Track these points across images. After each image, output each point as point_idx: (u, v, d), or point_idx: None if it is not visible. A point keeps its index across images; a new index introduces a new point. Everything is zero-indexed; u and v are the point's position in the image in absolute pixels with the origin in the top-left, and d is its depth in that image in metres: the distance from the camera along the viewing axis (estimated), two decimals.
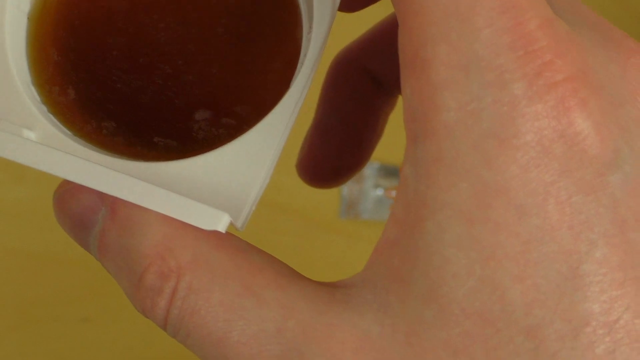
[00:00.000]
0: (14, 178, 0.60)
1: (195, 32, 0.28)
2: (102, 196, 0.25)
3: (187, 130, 0.28)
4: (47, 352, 0.58)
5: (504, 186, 0.22)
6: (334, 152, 0.35)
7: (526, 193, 0.22)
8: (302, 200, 0.63)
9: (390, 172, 0.67)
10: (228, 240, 0.25)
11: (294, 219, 0.63)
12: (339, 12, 0.27)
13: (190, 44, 0.28)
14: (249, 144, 0.26)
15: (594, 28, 0.25)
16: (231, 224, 0.25)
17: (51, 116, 0.27)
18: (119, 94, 0.28)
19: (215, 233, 0.25)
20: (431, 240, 0.23)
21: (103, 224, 0.25)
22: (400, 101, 0.34)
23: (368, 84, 0.34)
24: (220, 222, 0.24)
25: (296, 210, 0.63)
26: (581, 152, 0.23)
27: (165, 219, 0.24)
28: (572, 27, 0.24)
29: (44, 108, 0.27)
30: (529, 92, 0.22)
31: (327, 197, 0.64)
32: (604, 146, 0.23)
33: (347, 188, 0.65)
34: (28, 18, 0.28)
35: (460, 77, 0.23)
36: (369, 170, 0.67)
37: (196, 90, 0.28)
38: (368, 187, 0.66)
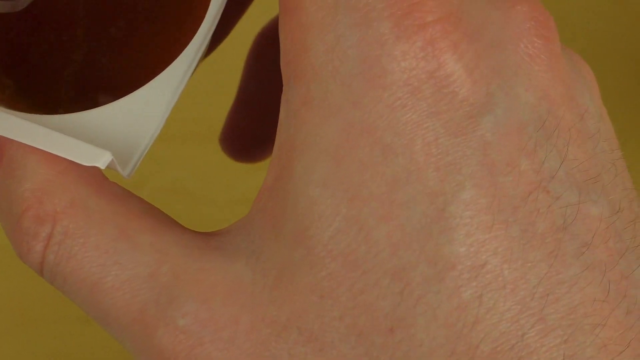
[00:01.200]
0: None
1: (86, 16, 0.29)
2: None
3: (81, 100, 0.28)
4: (48, 352, 0.59)
5: (371, 125, 0.22)
6: (255, 125, 0.35)
7: (393, 133, 0.22)
8: None
9: None
10: (109, 187, 0.25)
11: None
12: None
13: (80, 29, 0.29)
14: (141, 99, 0.26)
15: None
16: (117, 171, 0.25)
17: None
18: (16, 53, 0.28)
19: (98, 180, 0.25)
20: (299, 181, 0.23)
21: None
22: None
23: None
24: (101, 159, 0.24)
25: None
26: (451, 94, 0.22)
27: (49, 164, 0.24)
28: None
29: None
30: (396, 31, 0.22)
31: None
32: (476, 89, 0.22)
33: None
34: None
35: (327, 17, 0.23)
36: None
37: (89, 72, 0.28)
38: None
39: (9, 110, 0.26)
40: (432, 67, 0.22)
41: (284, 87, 0.24)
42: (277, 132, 0.24)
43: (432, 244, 0.22)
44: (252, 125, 0.35)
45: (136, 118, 0.26)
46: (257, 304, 0.23)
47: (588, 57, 0.27)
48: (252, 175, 0.61)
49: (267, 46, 0.34)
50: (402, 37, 0.22)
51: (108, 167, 0.24)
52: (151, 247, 0.24)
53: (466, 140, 0.22)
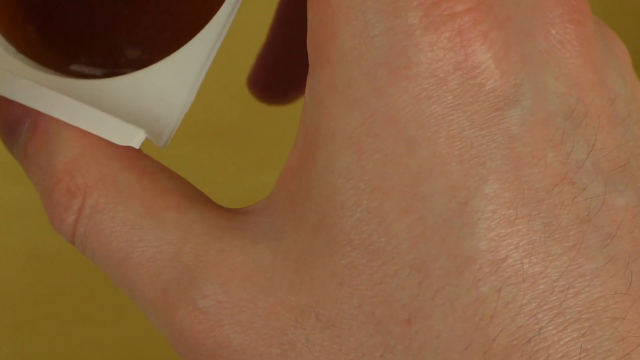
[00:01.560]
0: (14, 178, 0.60)
1: None
2: (28, 109, 0.25)
3: (117, 55, 0.28)
4: (47, 352, 0.59)
5: (394, 116, 0.22)
6: (283, 68, 0.35)
7: (417, 125, 0.22)
8: None
9: None
10: (140, 161, 0.25)
11: None
12: None
13: None
14: (173, 65, 0.26)
15: None
16: (152, 142, 0.25)
17: None
18: (43, 4, 0.28)
19: (129, 153, 0.25)
20: (323, 169, 0.23)
21: (26, 136, 0.26)
22: None
23: None
24: (135, 138, 0.24)
25: None
26: (478, 85, 0.22)
27: (82, 137, 0.25)
28: None
29: None
30: (424, 21, 0.22)
31: None
32: (504, 80, 0.22)
33: None
34: None
35: (356, 3, 0.22)
36: None
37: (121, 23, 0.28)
38: None
39: (38, 68, 0.26)
40: (459, 58, 0.22)
41: (309, 69, 0.23)
42: (302, 113, 0.24)
43: (453, 237, 0.22)
44: (282, 68, 0.35)
45: (170, 83, 0.26)
46: (276, 289, 0.23)
47: None
48: (252, 175, 0.61)
49: None
50: (430, 27, 0.22)
51: None
52: (175, 226, 0.24)
53: (491, 134, 0.22)
